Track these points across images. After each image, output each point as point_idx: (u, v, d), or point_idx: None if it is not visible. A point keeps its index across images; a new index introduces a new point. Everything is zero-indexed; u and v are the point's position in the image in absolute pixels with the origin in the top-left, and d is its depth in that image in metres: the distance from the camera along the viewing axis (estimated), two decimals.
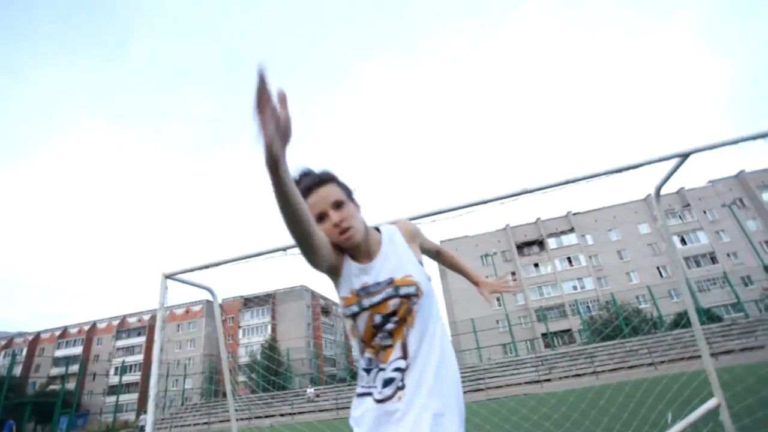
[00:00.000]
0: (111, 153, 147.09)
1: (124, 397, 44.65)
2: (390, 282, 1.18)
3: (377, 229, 1.31)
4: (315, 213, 1.16)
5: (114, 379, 47.57)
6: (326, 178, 1.19)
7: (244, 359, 45.07)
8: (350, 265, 1.21)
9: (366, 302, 1.17)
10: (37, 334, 59.92)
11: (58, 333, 59.04)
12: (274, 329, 52.05)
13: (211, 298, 3.83)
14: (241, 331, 52.60)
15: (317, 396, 25.39)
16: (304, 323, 52.81)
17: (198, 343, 51.17)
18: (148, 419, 3.01)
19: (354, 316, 1.18)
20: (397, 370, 1.12)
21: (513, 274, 46.41)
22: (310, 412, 22.29)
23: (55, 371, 51.46)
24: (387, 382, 1.11)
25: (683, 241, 43.19)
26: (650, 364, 19.45)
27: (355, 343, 1.22)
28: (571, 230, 46.70)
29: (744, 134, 2.68)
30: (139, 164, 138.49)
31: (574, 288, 43.90)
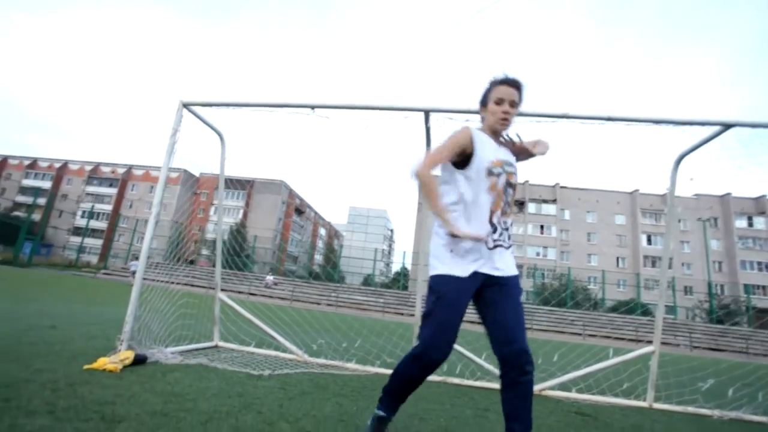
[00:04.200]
0: None
1: (88, 241, 45.52)
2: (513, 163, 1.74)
3: None
4: (497, 96, 1.66)
5: (81, 222, 48.04)
6: (518, 85, 1.68)
7: (210, 235, 46.10)
8: (490, 145, 1.69)
9: (507, 168, 1.67)
10: (4, 158, 58.40)
11: (27, 163, 57.68)
12: (245, 215, 52.89)
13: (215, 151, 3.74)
14: (213, 209, 53.14)
15: (275, 284, 26.74)
16: (275, 217, 53.75)
17: (169, 209, 51.47)
18: (140, 264, 3.09)
19: (498, 175, 1.63)
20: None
21: None
22: (265, 296, 23.61)
23: (21, 199, 51.24)
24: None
25: (649, 241, 45.16)
26: (579, 334, 21.39)
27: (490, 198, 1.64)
28: (554, 201, 47.64)
29: None
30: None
31: (537, 254, 46.03)
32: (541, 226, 47.10)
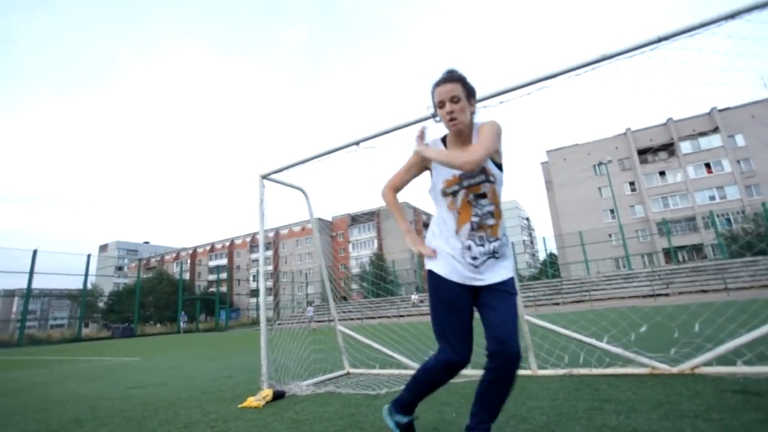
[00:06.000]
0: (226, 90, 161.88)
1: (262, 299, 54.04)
2: (482, 169, 1.56)
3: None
4: (437, 101, 1.58)
5: (253, 285, 57.56)
6: (454, 78, 1.57)
7: (355, 270, 50.17)
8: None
9: (465, 182, 1.58)
10: (195, 249, 74.20)
11: (208, 248, 72.27)
12: (380, 243, 56.26)
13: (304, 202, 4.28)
14: (350, 245, 58.01)
15: (421, 302, 27.54)
16: None
17: (315, 256, 58.10)
18: (261, 317, 3.65)
19: (454, 194, 1.59)
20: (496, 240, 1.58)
21: (632, 184, 41.41)
22: (413, 315, 24.46)
23: (212, 277, 63.91)
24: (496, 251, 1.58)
25: None
26: None
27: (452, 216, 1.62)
28: (715, 130, 38.80)
29: None
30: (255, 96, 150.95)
31: (711, 198, 37.72)
32: (706, 165, 38.64)
